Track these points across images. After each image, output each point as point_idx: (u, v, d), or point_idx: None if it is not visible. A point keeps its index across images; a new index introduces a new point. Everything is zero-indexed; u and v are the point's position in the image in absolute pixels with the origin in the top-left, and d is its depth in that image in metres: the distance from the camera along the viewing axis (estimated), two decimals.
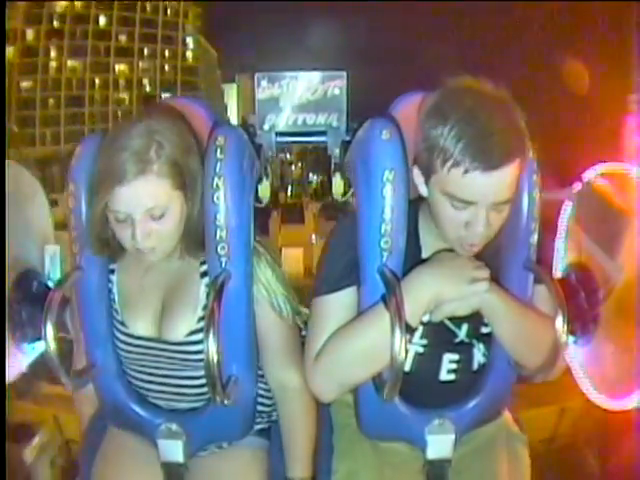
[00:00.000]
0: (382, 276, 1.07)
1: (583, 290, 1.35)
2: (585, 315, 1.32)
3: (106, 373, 1.24)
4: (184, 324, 1.19)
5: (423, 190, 1.10)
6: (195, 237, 1.16)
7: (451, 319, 1.15)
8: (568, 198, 1.46)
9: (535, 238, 1.17)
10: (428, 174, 1.07)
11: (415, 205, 1.15)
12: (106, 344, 1.23)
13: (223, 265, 1.13)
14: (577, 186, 1.44)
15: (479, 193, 1.01)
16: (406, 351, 1.00)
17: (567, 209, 1.46)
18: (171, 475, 1.26)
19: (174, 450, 1.24)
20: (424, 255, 1.16)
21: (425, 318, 1.09)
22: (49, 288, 1.50)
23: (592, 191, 1.39)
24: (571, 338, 1.32)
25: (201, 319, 1.18)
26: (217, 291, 1.08)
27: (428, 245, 1.16)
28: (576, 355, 1.38)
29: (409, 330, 1.04)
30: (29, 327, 1.37)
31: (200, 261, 1.20)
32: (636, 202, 1.26)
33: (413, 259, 1.13)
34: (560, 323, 1.07)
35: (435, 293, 1.05)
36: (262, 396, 1.32)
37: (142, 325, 1.21)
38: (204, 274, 1.19)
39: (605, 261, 1.31)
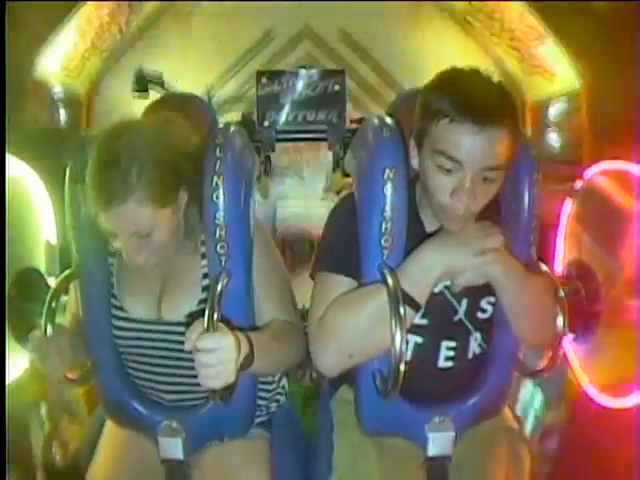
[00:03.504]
0: (382, 275, 1.07)
1: (584, 288, 1.35)
2: (586, 313, 1.33)
3: (106, 370, 1.24)
4: (185, 304, 1.19)
5: (415, 163, 1.11)
6: (193, 223, 1.16)
7: (452, 293, 1.15)
8: (569, 196, 1.46)
9: (536, 236, 1.17)
10: (421, 140, 1.08)
11: (412, 182, 1.15)
12: (106, 340, 1.23)
13: (223, 264, 1.13)
14: (578, 184, 1.44)
15: (465, 150, 1.01)
16: (407, 342, 1.01)
17: (568, 207, 1.46)
18: (172, 471, 1.26)
19: (174, 447, 1.24)
20: (427, 229, 1.17)
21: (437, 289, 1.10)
22: (49, 285, 1.50)
23: (593, 189, 1.39)
24: (572, 336, 1.33)
25: (201, 301, 1.18)
26: (217, 292, 1.07)
27: (428, 218, 1.17)
28: (577, 353, 1.38)
29: (415, 307, 1.06)
30: (29, 324, 1.37)
31: (201, 241, 1.20)
32: (636, 200, 1.26)
33: (416, 233, 1.14)
34: (561, 321, 1.07)
35: (444, 267, 1.06)
36: (260, 390, 1.32)
37: (141, 308, 1.21)
38: (204, 255, 1.19)
39: (606, 259, 1.31)
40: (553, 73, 2.42)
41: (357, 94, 3.00)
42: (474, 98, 1.01)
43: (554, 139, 2.56)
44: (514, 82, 2.73)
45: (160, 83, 2.47)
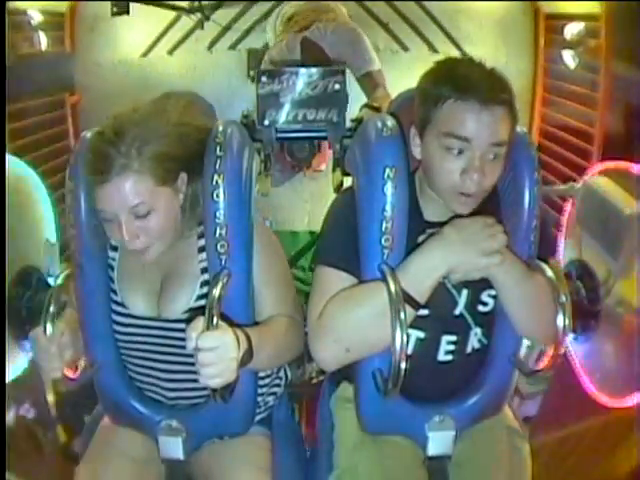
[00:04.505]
0: (383, 276, 1.07)
1: (584, 287, 1.35)
2: (586, 312, 1.33)
3: (106, 369, 1.24)
4: (182, 300, 1.18)
5: (418, 152, 1.13)
6: (192, 212, 1.16)
7: (452, 284, 1.15)
8: (570, 195, 1.46)
9: (537, 235, 1.17)
10: (424, 127, 1.10)
11: (411, 176, 1.17)
12: (106, 339, 1.22)
13: (223, 263, 1.13)
14: (578, 183, 1.44)
15: (472, 128, 1.04)
16: (407, 336, 1.01)
17: (568, 206, 1.46)
18: (172, 470, 1.25)
19: (174, 447, 1.24)
20: (426, 217, 1.18)
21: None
22: (49, 285, 1.50)
23: (593, 188, 1.39)
24: (572, 335, 1.33)
25: (200, 297, 1.17)
26: (217, 290, 1.07)
27: (429, 209, 1.18)
28: (577, 353, 1.38)
29: (414, 306, 1.06)
30: (29, 324, 1.37)
31: (197, 235, 1.19)
32: (636, 200, 1.26)
33: (415, 223, 1.14)
34: (561, 320, 1.07)
35: (447, 268, 1.06)
36: (260, 386, 1.31)
37: (141, 304, 1.20)
38: (202, 249, 1.18)
39: (606, 259, 1.31)
40: None
41: None
42: (474, 79, 1.06)
43: (569, 58, 2.57)
44: None
45: None
